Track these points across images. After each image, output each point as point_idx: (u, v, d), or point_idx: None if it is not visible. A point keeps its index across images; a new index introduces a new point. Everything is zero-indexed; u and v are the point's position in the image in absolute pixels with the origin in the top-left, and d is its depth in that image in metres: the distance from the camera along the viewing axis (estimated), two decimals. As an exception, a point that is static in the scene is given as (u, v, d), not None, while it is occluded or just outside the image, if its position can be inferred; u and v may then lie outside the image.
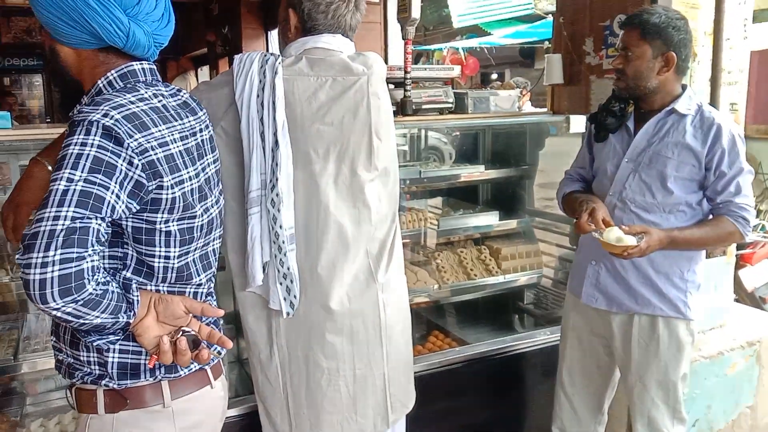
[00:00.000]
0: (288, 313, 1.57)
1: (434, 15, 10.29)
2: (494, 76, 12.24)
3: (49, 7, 1.11)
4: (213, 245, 1.33)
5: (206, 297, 1.34)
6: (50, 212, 0.97)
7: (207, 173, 1.30)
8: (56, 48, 1.19)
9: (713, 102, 2.49)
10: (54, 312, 0.97)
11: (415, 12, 2.54)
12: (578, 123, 2.64)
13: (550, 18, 8.59)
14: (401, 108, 2.58)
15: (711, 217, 1.89)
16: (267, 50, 5.13)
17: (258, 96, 1.53)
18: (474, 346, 2.51)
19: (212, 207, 1.30)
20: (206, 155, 1.31)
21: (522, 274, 2.80)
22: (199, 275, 1.27)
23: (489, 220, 2.80)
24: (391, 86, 2.66)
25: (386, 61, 4.42)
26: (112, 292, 1.05)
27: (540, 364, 2.61)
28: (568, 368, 2.17)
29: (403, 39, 2.61)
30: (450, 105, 2.71)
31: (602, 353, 2.11)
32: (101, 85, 1.18)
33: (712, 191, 1.85)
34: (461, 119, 2.71)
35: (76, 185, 1.00)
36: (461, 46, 9.89)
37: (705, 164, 1.84)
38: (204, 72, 9.14)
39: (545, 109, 3.08)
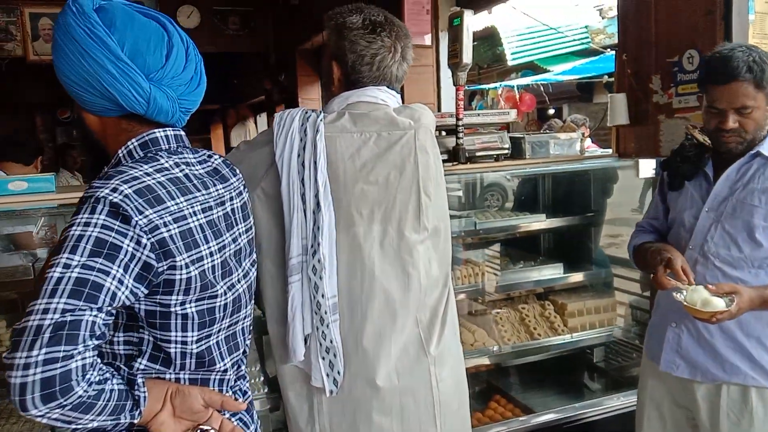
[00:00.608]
0: (331, 392, 1.43)
1: (488, 53, 10.23)
2: (551, 111, 12.02)
3: (69, 74, 1.04)
4: (241, 324, 1.21)
5: (236, 382, 1.21)
6: (40, 304, 0.87)
7: (238, 244, 1.20)
8: (82, 115, 1.12)
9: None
10: (39, 419, 0.86)
11: (466, 57, 2.42)
12: (647, 166, 2.43)
13: (608, 52, 8.39)
14: (454, 156, 2.45)
15: None
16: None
17: (299, 155, 1.43)
18: (539, 414, 2.29)
19: (239, 282, 1.18)
20: (237, 224, 1.21)
21: (592, 332, 2.57)
22: (223, 359, 1.15)
23: (552, 272, 2.60)
24: (444, 133, 2.55)
25: (438, 106, 4.33)
26: (111, 390, 0.93)
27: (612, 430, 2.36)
28: None
29: (454, 85, 2.50)
30: (506, 151, 2.56)
31: (686, 426, 1.86)
32: (121, 155, 1.09)
33: None
34: (518, 166, 2.55)
35: (72, 272, 0.90)
36: (516, 83, 9.76)
37: None
38: (263, 119, 9.36)
39: (610, 151, 2.88)
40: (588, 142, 5.36)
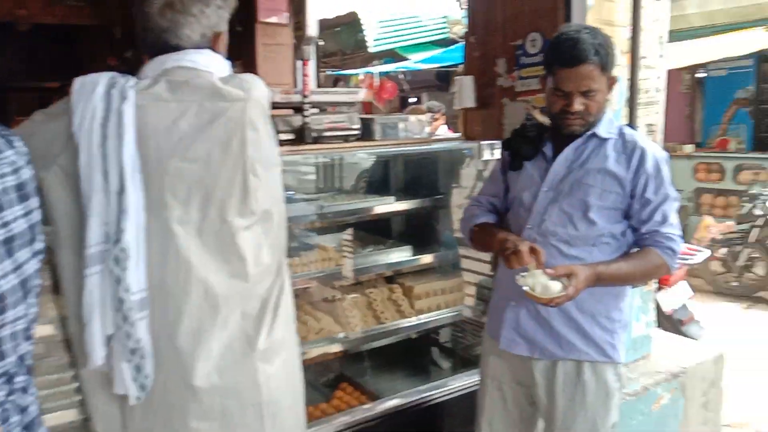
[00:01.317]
0: (138, 398, 1.25)
1: (351, 39, 10.15)
2: (412, 99, 12.24)
3: None
4: (10, 328, 1.00)
5: (7, 397, 1.01)
6: None
7: (9, 230, 0.99)
8: None
9: (631, 124, 2.38)
10: None
11: (311, 30, 2.30)
12: (492, 149, 2.47)
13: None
14: (299, 136, 2.32)
15: (636, 248, 1.74)
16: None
17: (102, 126, 1.23)
18: (385, 400, 2.25)
19: (6, 277, 0.98)
20: (7, 207, 1.00)
21: (438, 313, 2.57)
22: None
23: (401, 255, 2.57)
24: (290, 111, 2.41)
25: (295, 85, 4.16)
26: None
27: (460, 413, 2.38)
28: (488, 420, 1.94)
29: (299, 59, 2.37)
30: (356, 132, 2.48)
31: (525, 403, 1.90)
32: None
33: (637, 220, 1.71)
34: (367, 147, 2.47)
35: None
36: (377, 70, 9.79)
37: (629, 191, 1.68)
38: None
39: (458, 135, 2.90)
40: (444, 128, 5.47)
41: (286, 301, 1.47)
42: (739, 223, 5.60)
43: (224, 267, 1.33)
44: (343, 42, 10.04)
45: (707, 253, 3.81)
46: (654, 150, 1.73)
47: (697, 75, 8.18)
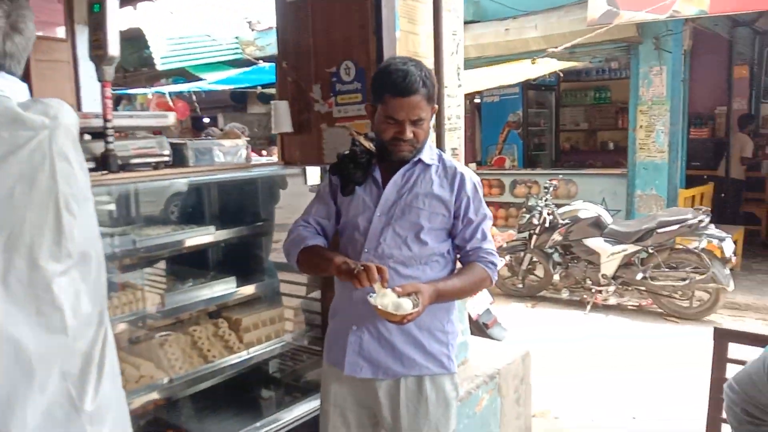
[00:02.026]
0: None
1: (134, 56, 9.52)
2: (206, 120, 11.81)
3: None
4: None
5: None
6: None
7: None
8: None
9: (439, 148, 2.54)
10: None
11: (113, 49, 2.09)
12: (314, 174, 2.46)
13: (261, 64, 8.58)
14: (103, 163, 2.09)
15: (462, 265, 1.86)
16: None
17: None
18: (219, 444, 2.10)
19: None
20: None
21: (267, 344, 2.48)
22: None
23: (225, 287, 2.43)
24: (88, 137, 2.16)
25: (79, 108, 3.75)
26: None
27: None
28: None
29: (99, 81, 2.13)
30: (167, 158, 2.30)
31: (368, 424, 1.91)
32: None
33: (461, 239, 1.83)
34: (181, 174, 2.31)
35: None
36: (168, 90, 9.28)
37: (453, 213, 1.80)
38: None
39: (275, 159, 2.85)
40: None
41: (111, 353, 1.30)
42: (519, 232, 6.29)
43: (38, 320, 1.13)
44: (126, 59, 9.39)
45: (503, 261, 4.21)
46: (470, 174, 1.87)
47: (475, 101, 9.10)
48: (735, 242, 5.71)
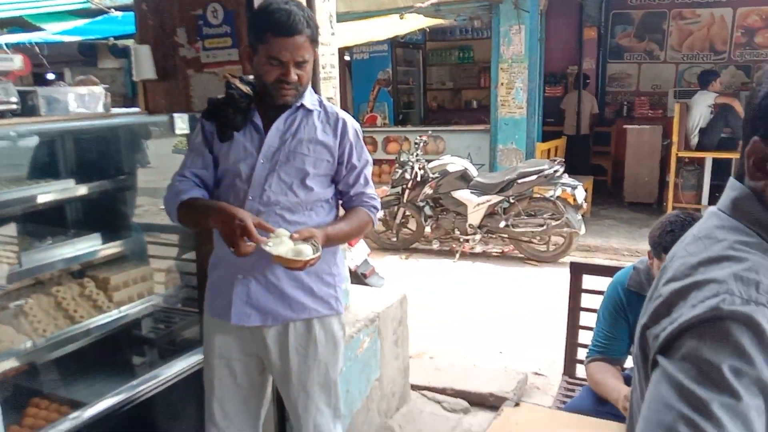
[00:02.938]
0: None
1: (-38, 3, 8.40)
2: (51, 75, 10.75)
3: None
4: None
5: None
6: None
7: None
8: None
9: (316, 96, 2.52)
10: None
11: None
12: (182, 122, 2.34)
13: (113, 13, 7.92)
14: (-63, 111, 1.86)
15: (345, 210, 1.89)
16: None
17: None
18: (92, 405, 1.99)
19: None
20: None
21: (139, 302, 2.36)
22: None
23: (89, 244, 2.26)
24: None
25: None
26: None
27: (177, 400, 2.26)
28: (219, 400, 1.89)
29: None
30: (14, 106, 2.09)
31: (255, 373, 1.91)
32: None
33: (345, 184, 1.85)
34: (33, 123, 2.10)
35: None
36: (4, 41, 8.31)
37: (337, 158, 1.80)
38: None
39: (138, 109, 2.68)
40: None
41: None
42: (393, 187, 6.45)
43: None
44: (-48, 6, 8.26)
45: (380, 213, 4.31)
46: (351, 120, 1.88)
47: (346, 58, 9.06)
48: (585, 191, 6.25)
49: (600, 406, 2.10)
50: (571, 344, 2.79)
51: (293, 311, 1.82)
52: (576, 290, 2.78)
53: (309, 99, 1.80)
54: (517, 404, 2.11)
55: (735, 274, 0.77)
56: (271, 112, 1.77)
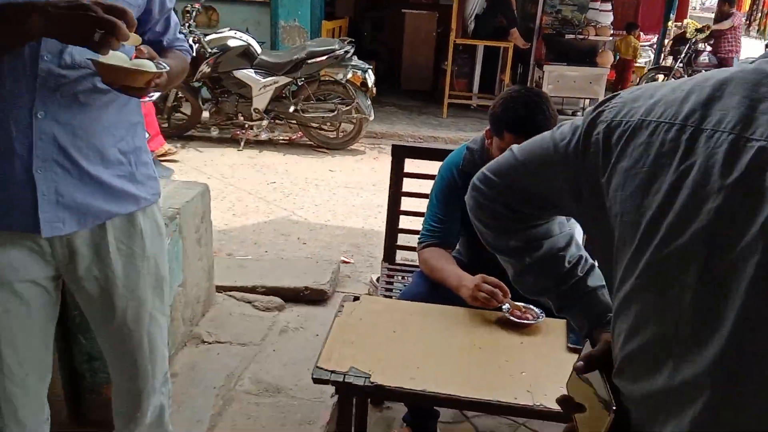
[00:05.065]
0: None
1: None
2: None
3: None
4: None
5: None
6: None
7: None
8: None
9: None
10: None
11: None
12: None
13: None
14: None
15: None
16: None
17: None
18: None
19: None
20: None
21: None
22: None
23: None
24: None
25: None
26: None
27: None
28: (9, 342, 1.31)
29: None
30: None
31: (53, 293, 1.38)
32: None
33: (156, 32, 1.43)
34: None
35: None
36: None
37: (145, 7, 1.35)
38: None
39: None
40: None
41: None
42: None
43: None
44: None
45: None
46: None
47: None
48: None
49: (436, 292, 2.01)
50: (391, 230, 2.67)
51: (116, 204, 1.34)
52: (398, 174, 2.62)
53: None
54: (356, 298, 1.91)
55: None
56: None
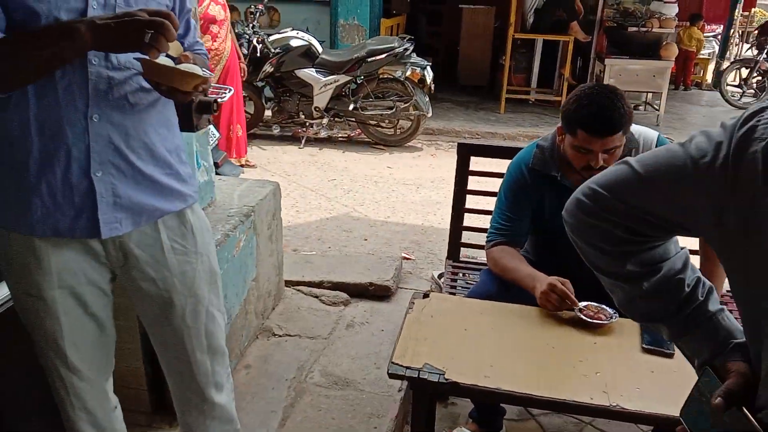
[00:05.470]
0: None
1: None
2: None
3: None
4: None
5: None
6: None
7: None
8: None
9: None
10: None
11: None
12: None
13: None
14: None
15: None
16: None
17: None
18: None
19: None
20: None
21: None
22: None
23: None
24: None
25: None
26: None
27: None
28: (72, 343, 1.40)
29: None
30: None
31: (109, 295, 1.45)
32: None
33: (179, 36, 1.45)
34: None
35: None
36: None
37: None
38: None
39: None
40: None
41: None
42: (227, 64, 5.75)
43: None
44: None
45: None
46: None
47: None
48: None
49: (506, 291, 2.02)
50: (456, 228, 2.70)
51: (167, 201, 1.40)
52: (463, 172, 2.64)
53: None
54: (426, 295, 1.95)
55: None
56: None
